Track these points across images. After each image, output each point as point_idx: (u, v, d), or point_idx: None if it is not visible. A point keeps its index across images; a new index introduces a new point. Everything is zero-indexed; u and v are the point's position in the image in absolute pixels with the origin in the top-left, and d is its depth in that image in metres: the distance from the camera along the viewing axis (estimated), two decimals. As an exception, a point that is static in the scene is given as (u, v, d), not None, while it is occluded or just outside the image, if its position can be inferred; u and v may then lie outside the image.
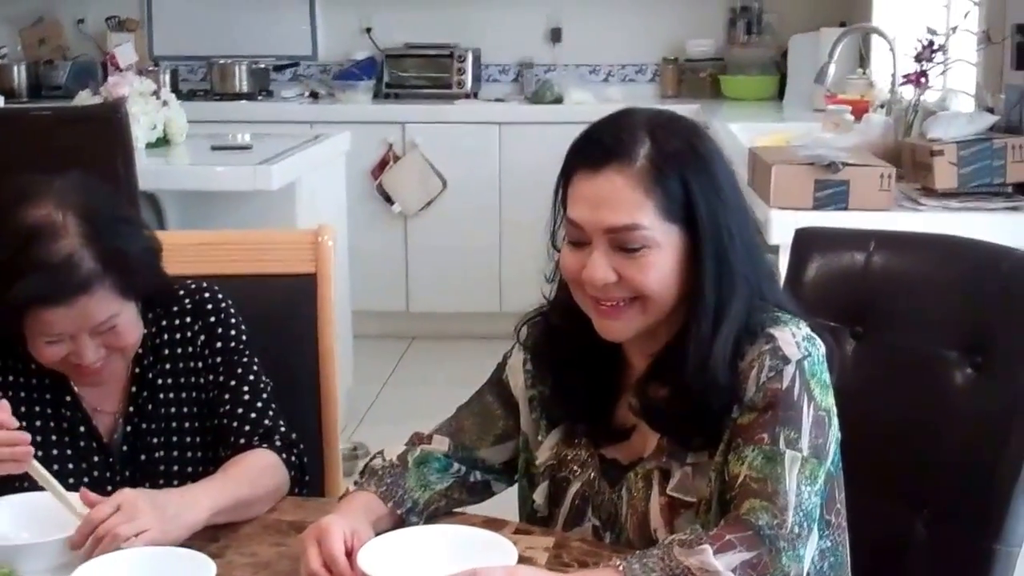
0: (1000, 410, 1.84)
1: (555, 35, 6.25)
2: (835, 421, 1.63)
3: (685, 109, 5.70)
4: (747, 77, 6.07)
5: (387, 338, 5.75)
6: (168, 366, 1.95)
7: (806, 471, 1.55)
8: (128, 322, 1.85)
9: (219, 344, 1.97)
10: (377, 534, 1.63)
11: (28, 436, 1.68)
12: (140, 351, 1.93)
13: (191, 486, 1.77)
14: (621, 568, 1.46)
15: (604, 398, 1.72)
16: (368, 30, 6.28)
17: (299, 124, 5.65)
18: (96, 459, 1.91)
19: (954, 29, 3.25)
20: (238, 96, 6.10)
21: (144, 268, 1.87)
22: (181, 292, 1.98)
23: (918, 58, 3.24)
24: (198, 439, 1.96)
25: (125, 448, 1.93)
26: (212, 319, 1.97)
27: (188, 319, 1.97)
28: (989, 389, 1.87)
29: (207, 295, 1.99)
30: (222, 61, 6.16)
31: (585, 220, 1.59)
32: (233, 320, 1.99)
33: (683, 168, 1.58)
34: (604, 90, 6.08)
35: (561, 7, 6.24)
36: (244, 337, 1.99)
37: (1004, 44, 3.23)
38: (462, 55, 6.11)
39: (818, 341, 1.63)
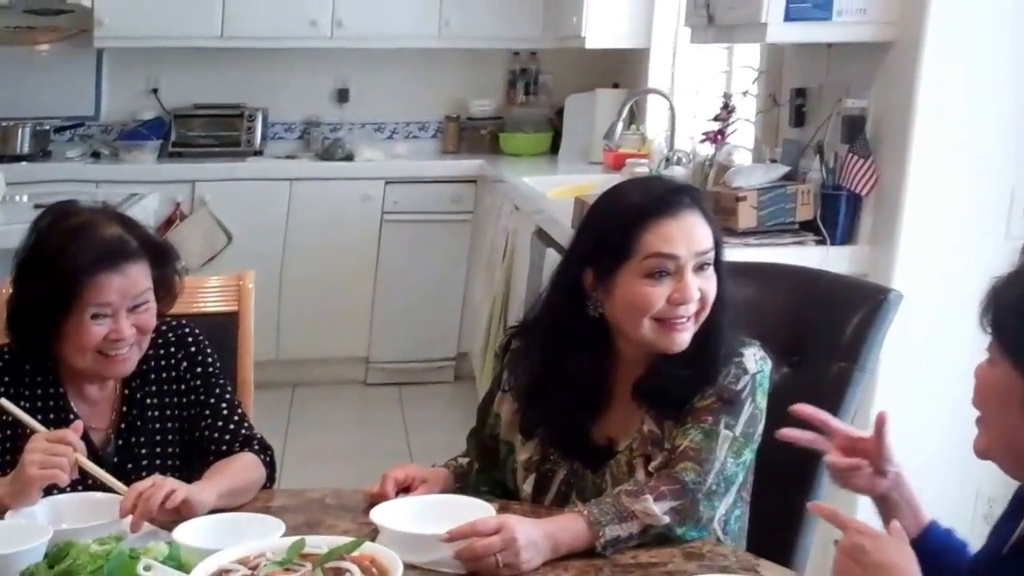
0: (810, 398, 2.31)
1: (342, 95, 6.79)
2: (763, 421, 2.21)
3: (468, 164, 6.43)
4: (524, 134, 6.76)
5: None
6: (154, 388, 2.42)
7: (734, 447, 2.16)
8: (153, 306, 2.35)
9: (199, 370, 2.44)
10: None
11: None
12: (130, 376, 2.39)
13: (198, 481, 2.25)
14: (586, 514, 2.03)
15: (585, 421, 2.25)
16: (155, 91, 6.64)
17: (84, 183, 5.95)
18: (92, 469, 2.35)
19: (744, 93, 3.97)
20: (18, 158, 6.30)
21: (167, 260, 2.38)
22: (164, 327, 2.44)
23: (717, 118, 3.95)
24: (179, 450, 2.42)
25: (116, 459, 2.38)
26: (192, 349, 2.45)
27: (172, 349, 2.44)
28: (802, 381, 2.47)
29: (187, 330, 2.47)
30: (4, 123, 6.38)
31: (680, 249, 2.13)
32: (209, 351, 2.47)
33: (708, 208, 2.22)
34: (391, 147, 6.69)
35: (348, 70, 6.76)
36: (218, 364, 2.48)
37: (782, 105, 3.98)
38: (252, 114, 6.55)
39: (769, 361, 2.25)
